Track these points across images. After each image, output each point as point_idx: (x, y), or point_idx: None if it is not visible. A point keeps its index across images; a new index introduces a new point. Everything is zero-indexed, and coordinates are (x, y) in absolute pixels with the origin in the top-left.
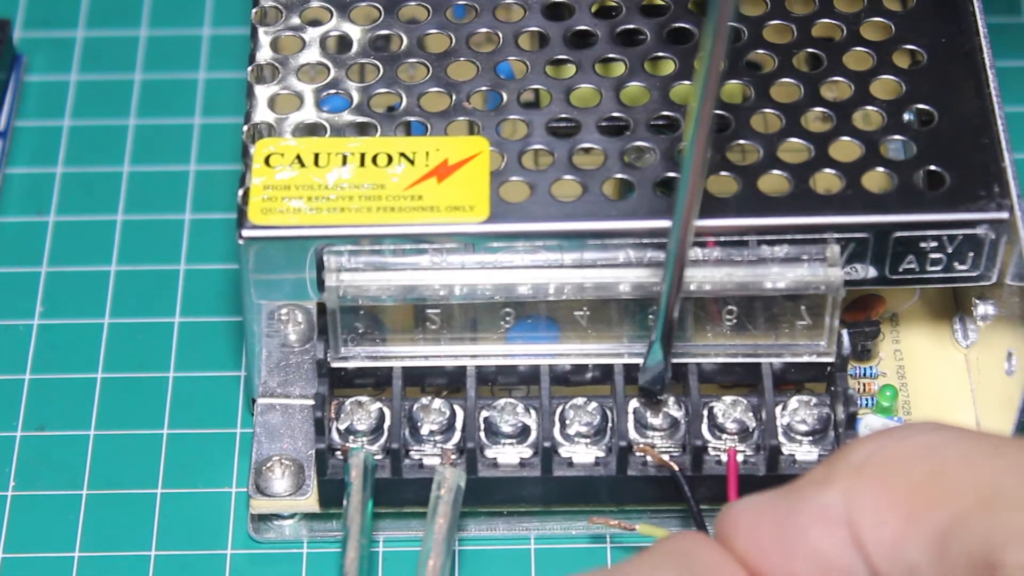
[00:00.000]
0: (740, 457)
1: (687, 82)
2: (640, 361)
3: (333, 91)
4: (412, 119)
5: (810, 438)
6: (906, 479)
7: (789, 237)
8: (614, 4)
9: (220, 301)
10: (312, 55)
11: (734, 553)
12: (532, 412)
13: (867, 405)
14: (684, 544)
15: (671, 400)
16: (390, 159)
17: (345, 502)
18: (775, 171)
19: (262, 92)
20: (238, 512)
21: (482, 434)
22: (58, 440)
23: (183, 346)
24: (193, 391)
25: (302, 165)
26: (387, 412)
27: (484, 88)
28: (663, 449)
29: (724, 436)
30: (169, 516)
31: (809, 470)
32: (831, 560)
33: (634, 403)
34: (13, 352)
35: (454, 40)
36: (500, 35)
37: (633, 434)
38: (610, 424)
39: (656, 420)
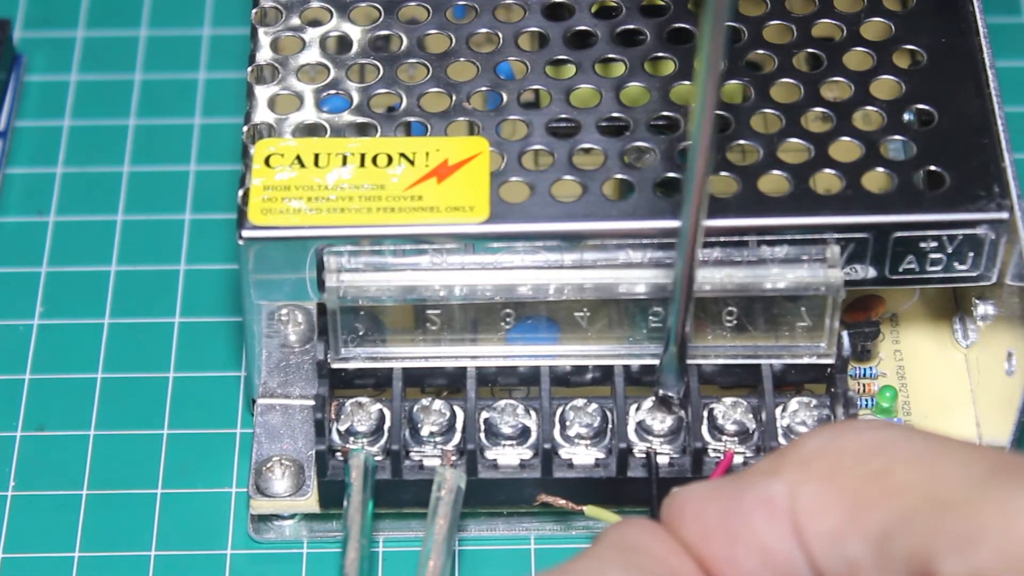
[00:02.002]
0: (740, 459)
1: (687, 82)
2: (642, 363)
3: (333, 91)
4: (412, 119)
5: None
6: (852, 474)
7: (789, 237)
8: (614, 4)
9: (220, 301)
10: (312, 55)
11: (679, 538)
12: (532, 413)
13: (867, 406)
14: (630, 536)
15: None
16: (390, 159)
17: (345, 503)
18: (775, 171)
19: (262, 92)
20: (238, 512)
21: (482, 435)
22: (58, 440)
23: (183, 346)
24: (193, 391)
25: (302, 165)
26: (387, 413)
27: (484, 88)
28: (663, 452)
29: (724, 438)
30: (169, 516)
31: (759, 460)
32: (772, 550)
33: (635, 405)
34: (13, 352)
35: (454, 40)
36: (500, 35)
37: (633, 436)
38: (610, 426)
39: (656, 422)
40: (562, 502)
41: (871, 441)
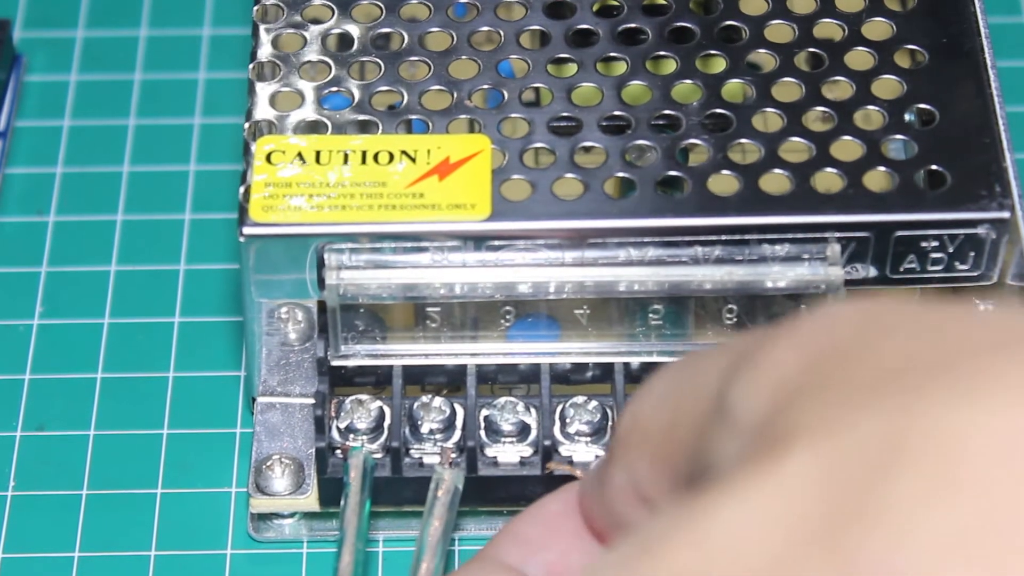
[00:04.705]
0: None
1: (688, 81)
2: (642, 360)
3: (334, 89)
4: (413, 117)
5: None
6: (657, 439)
7: (790, 236)
8: (615, 3)
9: (220, 301)
10: (313, 53)
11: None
12: (532, 411)
13: None
14: (501, 551)
15: None
16: (391, 157)
17: (343, 502)
18: (776, 170)
19: (263, 89)
20: (238, 512)
21: (482, 432)
22: (58, 440)
23: (183, 346)
24: (193, 391)
25: (303, 162)
26: (387, 410)
27: (485, 86)
28: None
29: None
30: (169, 516)
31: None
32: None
33: None
34: (13, 352)
35: (455, 38)
36: (501, 34)
37: None
38: (610, 423)
39: None
40: (567, 467)
41: (656, 398)
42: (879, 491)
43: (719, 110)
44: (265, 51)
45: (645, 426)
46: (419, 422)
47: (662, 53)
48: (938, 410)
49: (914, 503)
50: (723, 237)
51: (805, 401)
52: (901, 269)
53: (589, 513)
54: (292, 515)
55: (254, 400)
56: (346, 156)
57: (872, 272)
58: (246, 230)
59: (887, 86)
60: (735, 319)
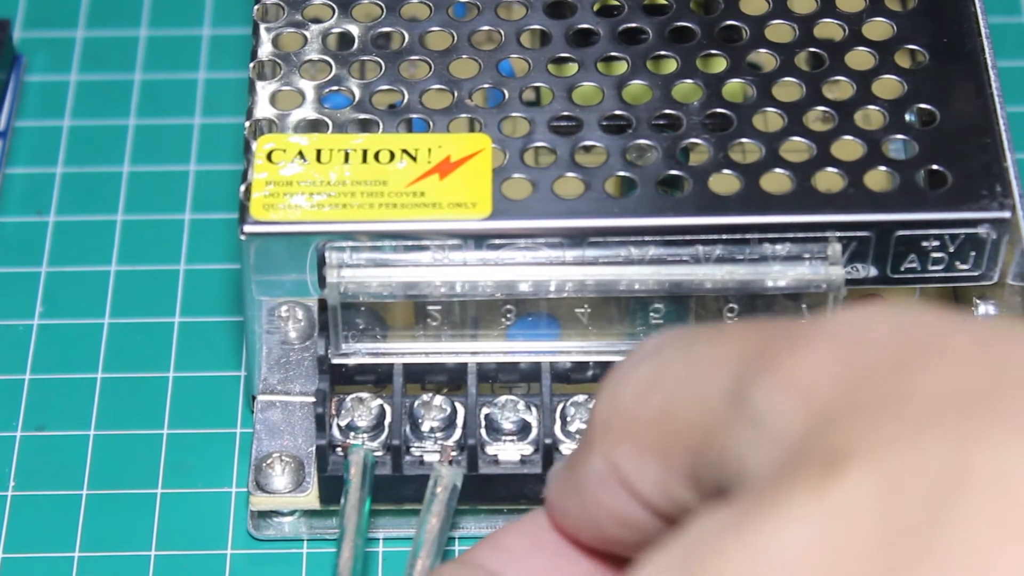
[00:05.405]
0: None
1: (689, 80)
2: None
3: (335, 88)
4: (414, 116)
5: None
6: (644, 424)
7: (791, 235)
8: (616, 3)
9: (220, 301)
10: (314, 52)
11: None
12: (533, 409)
13: None
14: (477, 557)
15: None
16: (392, 156)
17: (343, 500)
18: (777, 169)
19: (264, 88)
20: (238, 512)
21: (483, 431)
22: (58, 440)
23: (183, 346)
24: (193, 391)
25: (304, 161)
26: (388, 408)
27: (486, 86)
28: None
29: None
30: (169, 516)
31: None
32: (624, 516)
33: None
34: (13, 352)
35: (456, 38)
36: (502, 33)
37: None
38: None
39: None
40: None
41: (643, 383)
42: (947, 526)
43: (720, 110)
44: (266, 50)
45: (629, 412)
46: (420, 420)
47: (663, 53)
48: (1006, 443)
49: (987, 542)
50: (724, 236)
51: (854, 419)
52: (902, 269)
53: (563, 510)
54: (292, 513)
55: (254, 398)
56: (347, 155)
57: (873, 272)
58: (247, 228)
59: (887, 86)
60: (736, 318)
